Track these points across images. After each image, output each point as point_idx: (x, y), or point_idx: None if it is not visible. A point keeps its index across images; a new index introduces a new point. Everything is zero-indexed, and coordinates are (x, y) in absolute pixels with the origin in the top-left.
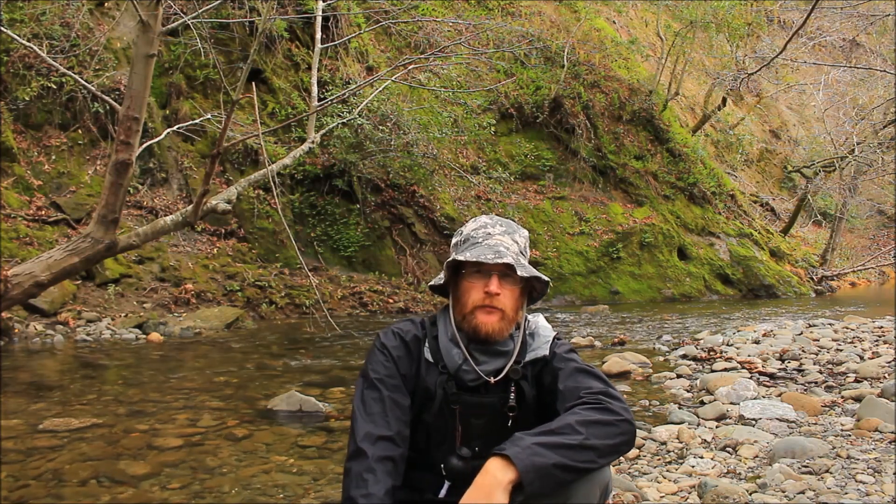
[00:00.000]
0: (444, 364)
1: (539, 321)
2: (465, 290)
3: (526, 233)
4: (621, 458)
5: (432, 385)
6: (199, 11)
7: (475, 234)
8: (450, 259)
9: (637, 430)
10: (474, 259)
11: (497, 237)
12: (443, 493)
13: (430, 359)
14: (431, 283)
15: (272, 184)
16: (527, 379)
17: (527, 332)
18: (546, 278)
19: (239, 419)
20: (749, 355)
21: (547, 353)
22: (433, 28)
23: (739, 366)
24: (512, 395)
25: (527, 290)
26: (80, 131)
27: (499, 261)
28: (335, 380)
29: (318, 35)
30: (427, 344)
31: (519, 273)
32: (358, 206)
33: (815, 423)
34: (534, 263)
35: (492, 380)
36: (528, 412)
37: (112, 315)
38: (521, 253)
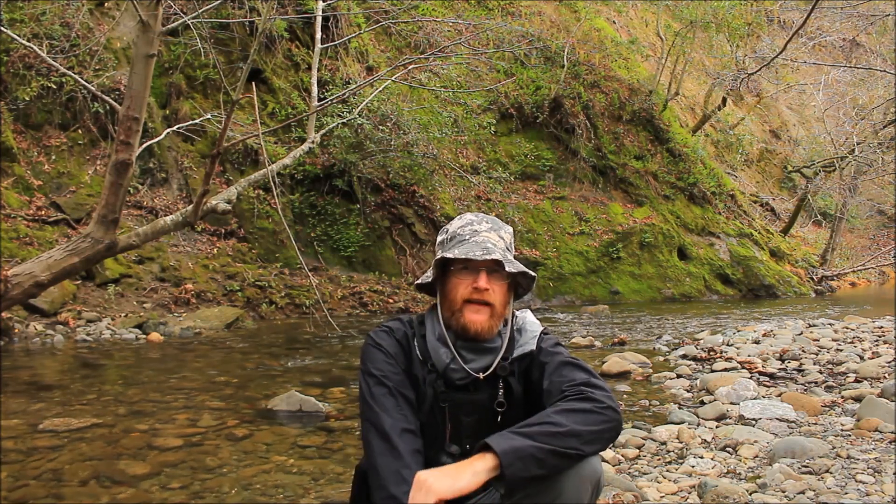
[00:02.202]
0: (433, 363)
1: (527, 317)
2: (453, 287)
3: (510, 229)
4: (621, 458)
5: (422, 383)
6: (199, 11)
7: (462, 231)
8: (438, 257)
9: (636, 428)
10: (463, 256)
11: (484, 234)
12: None
13: (420, 357)
14: (419, 281)
15: (272, 184)
16: (514, 375)
17: (514, 328)
18: (532, 273)
19: (239, 419)
20: (749, 355)
21: (534, 347)
22: (433, 28)
23: (739, 366)
24: (500, 392)
25: (513, 286)
26: (80, 131)
27: (487, 257)
28: (335, 380)
29: (318, 35)
30: (416, 342)
31: (507, 269)
32: (358, 206)
33: (815, 423)
34: (534, 263)
35: (480, 376)
36: (517, 408)
37: (112, 315)
38: (508, 249)
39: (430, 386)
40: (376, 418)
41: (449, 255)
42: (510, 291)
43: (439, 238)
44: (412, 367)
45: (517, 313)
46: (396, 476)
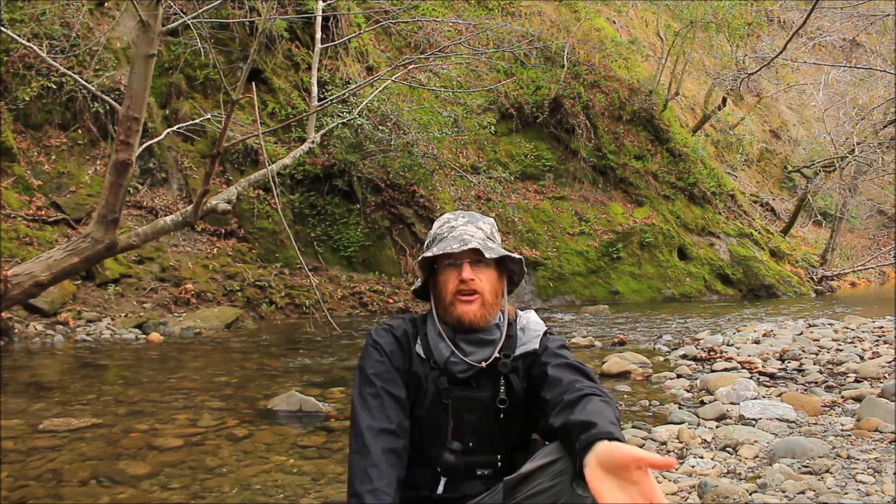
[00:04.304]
0: (435, 360)
1: (530, 317)
2: (442, 284)
3: (490, 220)
4: None
5: (424, 380)
6: (199, 11)
7: (440, 230)
8: (419, 259)
9: (636, 428)
10: (441, 252)
11: (460, 228)
12: (440, 489)
13: (422, 354)
14: (413, 287)
15: (272, 184)
16: (516, 372)
17: (518, 326)
18: (518, 256)
19: (239, 419)
20: (749, 355)
21: (537, 346)
22: (433, 28)
23: (739, 366)
24: (502, 389)
25: (505, 274)
26: (80, 131)
27: (465, 248)
28: (335, 380)
29: (318, 35)
30: (418, 340)
31: (487, 255)
32: (358, 206)
33: (815, 423)
34: (534, 263)
35: (483, 364)
36: (518, 406)
37: (112, 315)
38: (489, 238)
39: (432, 383)
40: (357, 416)
41: (428, 254)
42: (501, 279)
43: (425, 243)
44: (412, 365)
45: (521, 313)
46: (363, 474)
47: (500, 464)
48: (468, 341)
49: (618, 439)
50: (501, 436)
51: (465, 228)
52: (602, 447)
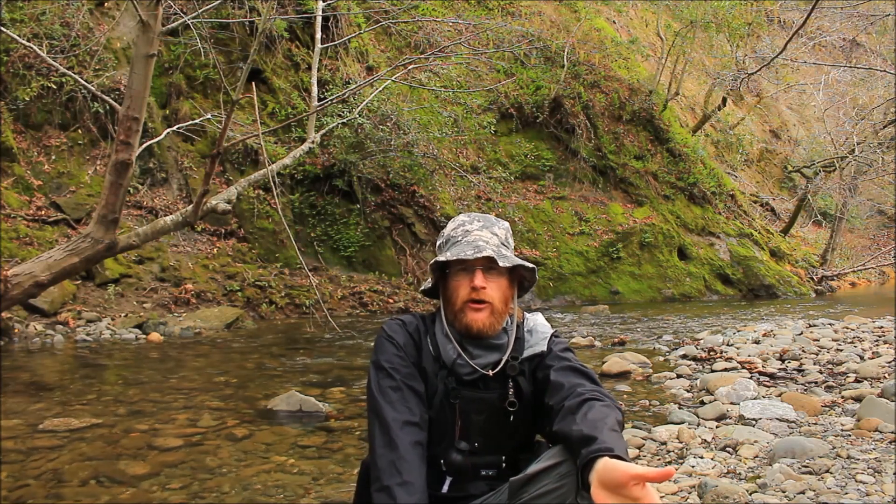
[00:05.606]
0: (443, 359)
1: (537, 319)
2: (453, 289)
3: (506, 224)
4: None
5: (433, 379)
6: (199, 11)
7: (454, 233)
8: (432, 262)
9: (636, 428)
10: (455, 257)
11: (475, 233)
12: (445, 488)
13: (432, 352)
14: (422, 288)
15: (272, 184)
16: (524, 375)
17: (525, 329)
18: (531, 265)
19: (239, 419)
20: (749, 355)
21: (544, 348)
22: (433, 28)
23: (739, 366)
24: (511, 392)
25: (515, 280)
26: (80, 131)
27: (479, 255)
28: (335, 380)
29: (318, 35)
30: (428, 338)
31: (501, 264)
32: (358, 206)
33: (816, 423)
34: (534, 263)
35: (490, 372)
36: (526, 408)
37: (112, 315)
38: (503, 244)
39: (441, 382)
40: (380, 410)
41: (442, 258)
42: (512, 286)
43: (437, 243)
44: (422, 361)
45: (528, 315)
46: (391, 468)
47: (504, 465)
48: (475, 345)
49: (618, 456)
50: (508, 437)
51: (479, 234)
52: (601, 466)
